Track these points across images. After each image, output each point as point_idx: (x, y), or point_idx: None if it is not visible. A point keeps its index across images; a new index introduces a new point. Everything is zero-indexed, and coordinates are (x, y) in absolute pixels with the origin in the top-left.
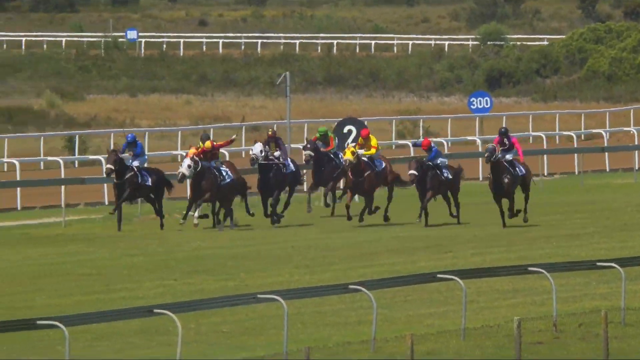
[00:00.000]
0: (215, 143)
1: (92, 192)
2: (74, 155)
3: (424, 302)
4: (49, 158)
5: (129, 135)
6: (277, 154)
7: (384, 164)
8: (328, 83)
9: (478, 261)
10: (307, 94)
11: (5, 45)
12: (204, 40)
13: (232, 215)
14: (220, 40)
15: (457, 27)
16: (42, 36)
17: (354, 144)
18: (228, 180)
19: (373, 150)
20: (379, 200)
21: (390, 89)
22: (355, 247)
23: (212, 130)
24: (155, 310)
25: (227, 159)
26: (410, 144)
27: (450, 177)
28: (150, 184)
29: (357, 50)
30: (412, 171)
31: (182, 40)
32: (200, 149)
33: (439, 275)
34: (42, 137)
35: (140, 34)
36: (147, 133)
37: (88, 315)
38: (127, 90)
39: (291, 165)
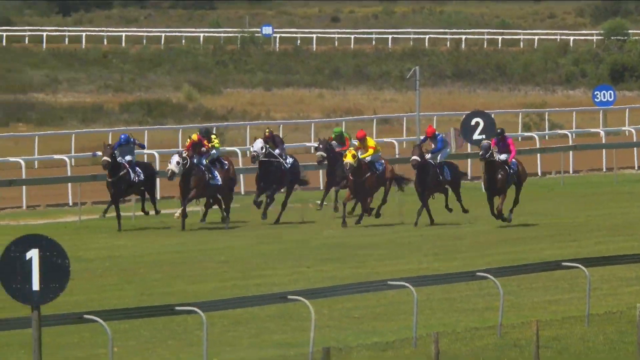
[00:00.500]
0: (203, 139)
1: None
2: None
3: (549, 289)
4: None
5: (122, 135)
6: (277, 151)
7: (383, 165)
8: (456, 77)
9: (602, 249)
10: (435, 87)
11: (145, 41)
12: (336, 35)
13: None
14: (352, 36)
15: (582, 22)
16: (180, 32)
17: (354, 147)
18: (217, 182)
19: (371, 151)
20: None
21: (516, 82)
22: (481, 235)
23: (344, 123)
24: (290, 297)
25: (240, 159)
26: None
27: (449, 178)
28: (143, 178)
29: (485, 45)
30: (414, 157)
31: (315, 35)
32: (188, 143)
33: (563, 263)
34: (180, 129)
35: (275, 29)
36: (281, 125)
37: (225, 301)
38: (262, 84)
39: (290, 163)
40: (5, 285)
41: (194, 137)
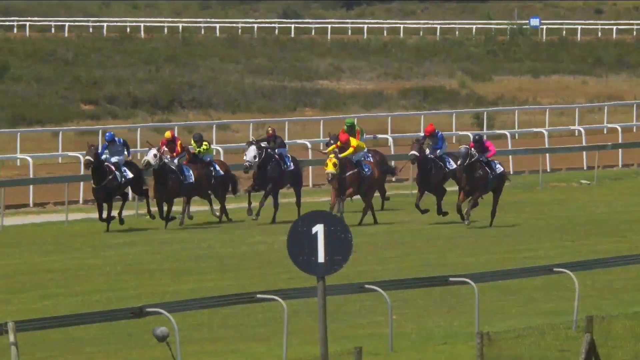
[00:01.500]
0: (177, 138)
1: None
2: (482, 130)
3: None
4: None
5: (107, 134)
6: (278, 151)
7: (371, 170)
8: None
9: None
10: None
11: (422, 32)
12: (600, 27)
13: (213, 203)
14: (615, 27)
15: None
16: (455, 24)
17: (334, 154)
18: (190, 181)
19: (351, 150)
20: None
21: None
22: None
23: (605, 108)
24: (555, 269)
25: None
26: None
27: (453, 167)
28: (131, 176)
29: None
30: (413, 152)
31: (579, 27)
32: (162, 140)
33: None
34: (453, 114)
35: (542, 21)
36: (547, 110)
37: (494, 273)
38: (530, 71)
39: (291, 164)
40: (294, 257)
41: (167, 134)
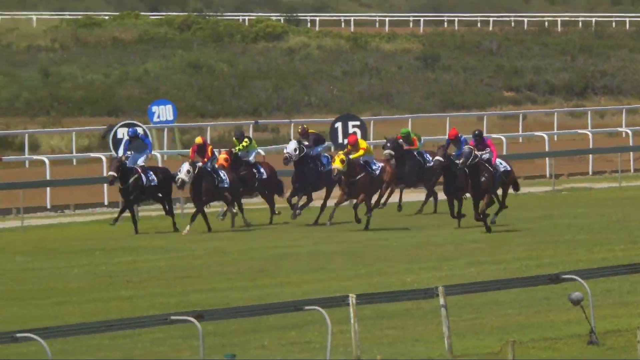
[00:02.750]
0: (208, 144)
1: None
2: None
3: None
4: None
5: (130, 129)
6: (314, 151)
7: (380, 168)
8: None
9: None
10: None
11: None
12: None
13: (232, 210)
14: None
15: None
16: None
17: (343, 152)
18: (225, 185)
19: (361, 152)
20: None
21: None
22: None
23: None
24: None
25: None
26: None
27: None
28: (156, 183)
29: None
30: (437, 157)
31: None
32: (193, 147)
33: None
34: None
35: None
36: None
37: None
38: None
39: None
40: None
41: (199, 140)
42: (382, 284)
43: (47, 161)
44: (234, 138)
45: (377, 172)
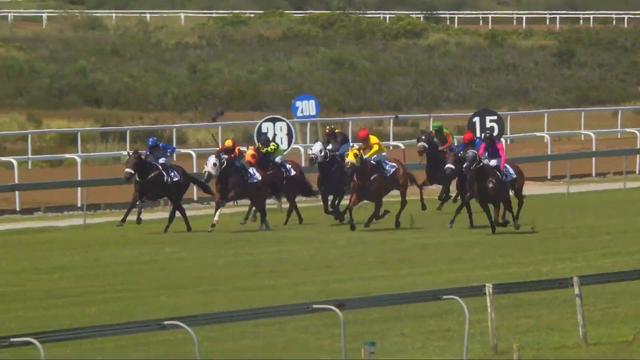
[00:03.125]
0: (237, 145)
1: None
2: None
3: None
4: None
5: (151, 139)
6: (339, 151)
7: (395, 168)
8: None
9: None
10: None
11: None
12: None
13: (264, 215)
14: None
15: None
16: None
17: (357, 147)
18: (255, 180)
19: (375, 148)
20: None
21: None
22: None
23: None
24: None
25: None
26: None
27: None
28: (179, 178)
29: None
30: (448, 165)
31: None
32: (221, 147)
33: None
34: None
35: None
36: None
37: None
38: None
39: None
40: None
41: (228, 143)
42: (518, 274)
43: (194, 155)
44: (258, 143)
45: (391, 172)
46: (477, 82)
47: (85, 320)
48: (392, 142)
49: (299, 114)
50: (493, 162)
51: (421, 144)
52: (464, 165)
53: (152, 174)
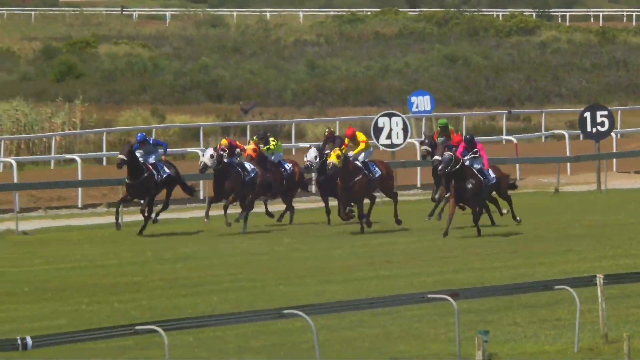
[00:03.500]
0: (234, 142)
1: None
2: None
3: None
4: None
5: (139, 134)
6: None
7: (379, 172)
8: None
9: None
10: None
11: None
12: None
13: (249, 212)
14: None
15: None
16: None
17: (340, 148)
18: (251, 175)
19: (362, 145)
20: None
21: None
22: None
23: None
24: None
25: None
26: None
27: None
28: (169, 173)
29: None
30: (436, 157)
31: None
32: (218, 145)
33: None
34: None
35: None
36: None
37: None
38: None
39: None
40: None
41: (224, 142)
42: (628, 265)
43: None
44: (254, 137)
45: (377, 175)
46: (588, 78)
47: (207, 308)
48: (505, 137)
49: (414, 109)
50: (477, 166)
51: (424, 147)
52: (439, 167)
53: (143, 177)
